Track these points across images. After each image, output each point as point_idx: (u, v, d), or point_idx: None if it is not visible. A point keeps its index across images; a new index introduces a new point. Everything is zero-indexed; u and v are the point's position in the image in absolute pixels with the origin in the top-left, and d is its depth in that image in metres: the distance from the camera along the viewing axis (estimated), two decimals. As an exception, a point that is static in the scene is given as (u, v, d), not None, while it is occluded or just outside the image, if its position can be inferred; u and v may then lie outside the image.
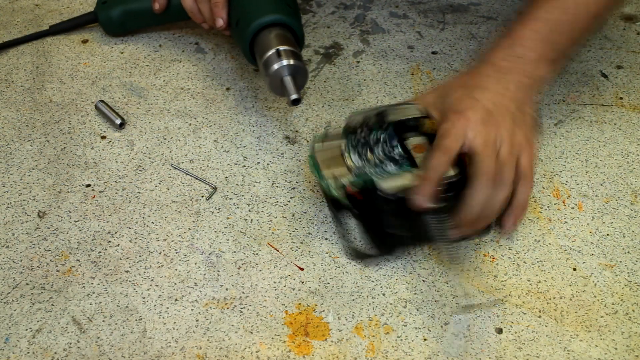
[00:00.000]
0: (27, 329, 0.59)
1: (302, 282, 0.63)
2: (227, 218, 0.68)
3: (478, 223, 0.62)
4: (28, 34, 0.87)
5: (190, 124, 0.77)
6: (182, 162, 0.73)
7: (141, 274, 0.63)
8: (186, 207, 0.69)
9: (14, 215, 0.68)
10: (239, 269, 0.64)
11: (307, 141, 0.75)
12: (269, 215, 0.68)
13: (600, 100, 0.80)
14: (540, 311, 0.61)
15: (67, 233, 0.66)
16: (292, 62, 0.69)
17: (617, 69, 0.84)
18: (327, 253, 0.65)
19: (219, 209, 0.69)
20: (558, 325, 0.60)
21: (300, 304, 0.61)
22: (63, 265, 0.64)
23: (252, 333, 0.59)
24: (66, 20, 0.88)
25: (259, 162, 0.73)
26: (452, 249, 0.62)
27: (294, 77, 0.69)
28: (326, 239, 0.66)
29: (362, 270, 0.64)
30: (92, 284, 0.63)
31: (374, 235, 0.65)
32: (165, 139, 0.75)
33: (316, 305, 0.61)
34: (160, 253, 0.65)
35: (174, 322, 0.60)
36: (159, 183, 0.71)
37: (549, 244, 0.66)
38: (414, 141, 0.66)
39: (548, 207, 0.69)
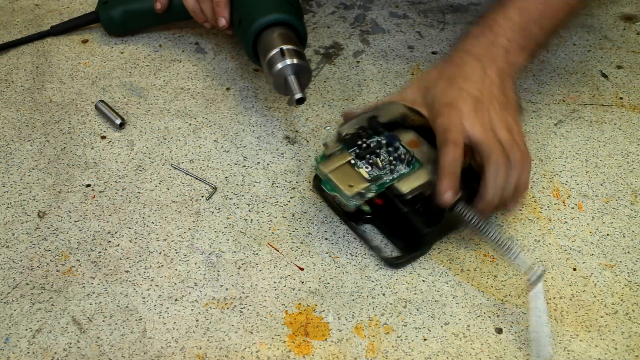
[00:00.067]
0: (27, 329, 0.59)
1: (302, 282, 0.63)
2: (227, 218, 0.68)
3: (498, 206, 0.64)
4: (30, 35, 0.87)
5: (190, 124, 0.77)
6: (182, 162, 0.73)
7: (141, 274, 0.63)
8: (186, 207, 0.69)
9: (14, 215, 0.68)
10: (239, 269, 0.64)
11: (307, 141, 0.75)
12: (269, 215, 0.68)
13: (600, 100, 0.80)
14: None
15: (67, 233, 0.66)
16: (295, 61, 0.68)
17: (617, 69, 0.84)
18: (327, 253, 0.65)
19: (219, 209, 0.69)
20: (558, 325, 0.60)
21: (300, 304, 0.61)
22: (63, 265, 0.64)
23: (252, 333, 0.59)
24: (67, 21, 0.88)
25: (259, 162, 0.73)
26: (490, 231, 0.62)
27: (297, 76, 0.69)
28: (326, 239, 0.66)
29: (362, 270, 0.64)
30: (92, 284, 0.63)
31: (404, 237, 0.65)
32: (165, 139, 0.75)
33: (316, 305, 0.61)
34: (160, 253, 0.65)
35: (174, 322, 0.60)
36: (159, 183, 0.71)
37: (549, 244, 0.66)
38: (405, 138, 0.67)
39: (548, 207, 0.69)
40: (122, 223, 0.67)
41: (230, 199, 0.70)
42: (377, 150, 0.66)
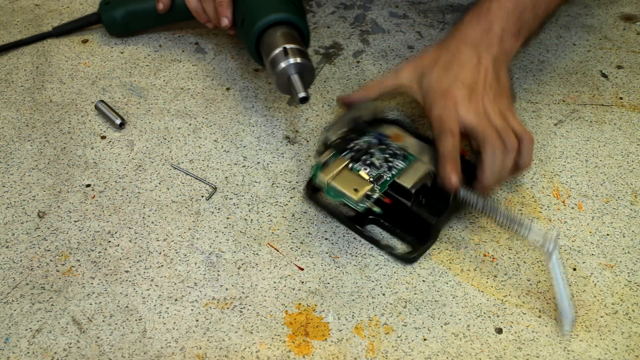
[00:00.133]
0: (27, 329, 0.59)
1: (302, 282, 0.63)
2: (227, 218, 0.68)
3: (495, 187, 0.67)
4: (31, 36, 0.86)
5: (190, 124, 0.77)
6: (182, 162, 0.73)
7: (141, 274, 0.63)
8: (186, 207, 0.69)
9: (14, 215, 0.68)
10: (239, 269, 0.64)
11: (307, 141, 0.75)
12: (269, 215, 0.68)
13: (600, 100, 0.80)
14: (540, 311, 0.61)
15: (67, 233, 0.66)
16: (299, 60, 0.68)
17: (617, 69, 0.84)
18: (327, 253, 0.65)
19: (219, 209, 0.69)
20: (558, 325, 0.60)
21: (300, 304, 0.61)
22: (63, 265, 0.64)
23: (252, 333, 0.59)
24: (69, 22, 0.87)
25: (259, 162, 0.73)
26: (498, 212, 0.62)
27: (301, 75, 0.69)
28: (326, 239, 0.66)
29: (362, 270, 0.64)
30: (92, 284, 0.63)
31: (412, 231, 0.66)
32: (165, 139, 0.75)
33: (316, 305, 0.61)
34: (160, 253, 0.65)
35: (174, 322, 0.60)
36: (159, 183, 0.71)
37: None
38: (388, 133, 0.69)
39: (548, 207, 0.69)
40: (122, 223, 0.67)
41: (230, 199, 0.70)
42: (371, 150, 0.67)
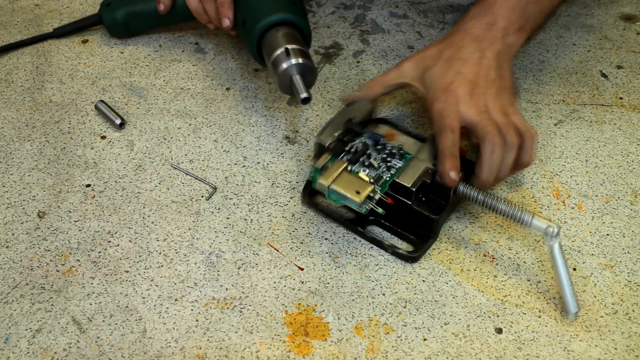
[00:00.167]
0: (27, 329, 0.59)
1: (302, 282, 0.63)
2: (227, 218, 0.68)
3: (494, 183, 0.67)
4: (32, 37, 0.86)
5: (190, 124, 0.77)
6: (182, 162, 0.73)
7: (141, 274, 0.63)
8: (186, 207, 0.69)
9: (14, 215, 0.68)
10: (239, 269, 0.64)
11: (307, 141, 0.75)
12: (269, 215, 0.68)
13: (600, 100, 0.80)
14: (540, 311, 0.61)
15: (67, 233, 0.66)
16: (301, 60, 0.68)
17: (617, 69, 0.84)
18: (327, 253, 0.65)
19: (219, 209, 0.69)
20: (558, 325, 0.60)
21: (300, 304, 0.61)
22: (63, 265, 0.64)
23: (252, 333, 0.59)
24: (70, 23, 0.87)
25: (259, 162, 0.73)
26: (498, 205, 0.63)
27: (303, 75, 0.68)
28: (326, 239, 0.66)
29: (362, 270, 0.64)
30: (92, 284, 0.63)
31: (413, 229, 0.66)
32: (165, 139, 0.75)
33: (316, 305, 0.61)
34: (160, 253, 0.65)
35: (174, 322, 0.60)
36: (159, 183, 0.71)
37: (549, 245, 0.66)
38: (381, 132, 0.69)
39: (548, 207, 0.69)
40: (122, 223, 0.67)
41: (230, 199, 0.70)
42: (367, 151, 0.67)
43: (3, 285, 0.62)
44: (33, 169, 0.72)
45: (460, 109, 0.64)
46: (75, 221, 0.67)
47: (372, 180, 0.64)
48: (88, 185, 0.71)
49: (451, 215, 0.68)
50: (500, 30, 0.68)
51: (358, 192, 0.62)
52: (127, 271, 0.63)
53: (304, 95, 0.67)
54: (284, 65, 0.68)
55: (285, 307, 0.61)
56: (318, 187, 0.63)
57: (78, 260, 0.64)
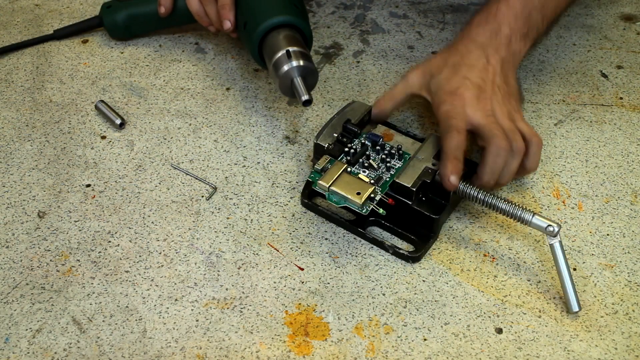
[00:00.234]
0: (27, 329, 0.59)
1: (302, 282, 0.63)
2: (227, 218, 0.68)
3: (494, 187, 0.67)
4: (32, 38, 0.86)
5: (190, 124, 0.77)
6: (182, 162, 0.73)
7: (141, 274, 0.63)
8: (186, 207, 0.69)
9: (14, 215, 0.68)
10: (239, 269, 0.64)
11: (307, 141, 0.75)
12: (269, 215, 0.68)
13: (600, 100, 0.80)
14: (540, 311, 0.61)
15: (67, 233, 0.66)
16: (302, 63, 0.68)
17: (617, 69, 0.84)
18: (327, 253, 0.65)
19: (219, 209, 0.69)
20: (558, 325, 0.60)
21: (300, 304, 0.61)
22: (63, 265, 0.64)
23: (252, 333, 0.59)
24: (70, 25, 0.87)
25: (259, 162, 0.73)
26: (498, 204, 0.63)
27: (304, 78, 0.68)
28: (326, 239, 0.66)
29: (362, 270, 0.64)
30: (92, 284, 0.63)
31: (413, 229, 0.66)
32: (165, 139, 0.75)
33: (316, 305, 0.61)
34: (160, 253, 0.65)
35: (174, 322, 0.60)
36: (159, 183, 0.71)
37: (549, 245, 0.66)
38: (377, 132, 0.69)
39: (548, 207, 0.69)
40: (122, 223, 0.67)
41: (230, 199, 0.70)
42: (367, 152, 0.67)
43: (3, 285, 0.62)
44: (33, 169, 0.72)
45: (467, 111, 0.64)
46: (76, 221, 0.67)
47: (372, 181, 0.64)
48: (88, 185, 0.71)
49: (451, 215, 0.68)
50: (505, 38, 0.69)
51: (359, 194, 0.61)
52: (127, 271, 0.63)
53: (305, 97, 0.67)
54: (285, 68, 0.68)
55: (286, 307, 0.61)
56: (318, 188, 0.63)
57: (78, 260, 0.64)
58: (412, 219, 0.65)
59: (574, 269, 0.64)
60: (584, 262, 0.65)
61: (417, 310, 0.61)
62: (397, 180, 0.64)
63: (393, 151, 0.67)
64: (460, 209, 0.69)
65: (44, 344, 0.58)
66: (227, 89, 0.81)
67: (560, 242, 0.60)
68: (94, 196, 0.70)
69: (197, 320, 0.60)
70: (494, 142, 0.63)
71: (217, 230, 0.67)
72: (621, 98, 0.80)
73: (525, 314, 0.61)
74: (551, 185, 0.71)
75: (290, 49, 0.69)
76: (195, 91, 0.81)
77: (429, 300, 0.62)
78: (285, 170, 0.72)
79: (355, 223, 0.66)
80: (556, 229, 0.59)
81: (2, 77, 0.82)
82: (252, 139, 0.75)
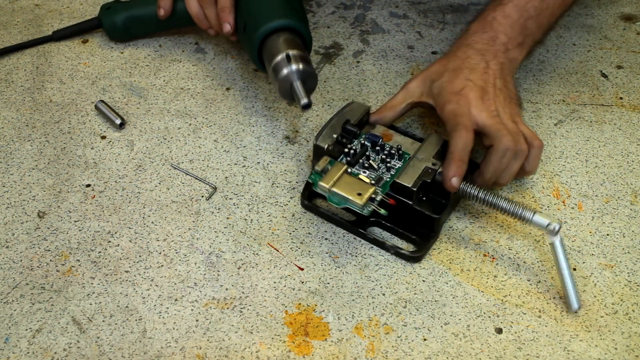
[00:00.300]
0: (27, 329, 0.59)
1: (302, 282, 0.63)
2: (227, 218, 0.68)
3: (492, 187, 0.67)
4: (31, 40, 0.86)
5: (190, 124, 0.77)
6: (182, 162, 0.73)
7: (141, 274, 0.63)
8: (186, 207, 0.69)
9: (14, 215, 0.68)
10: (239, 269, 0.64)
11: (307, 141, 0.75)
12: (269, 215, 0.68)
13: (600, 100, 0.80)
14: (540, 311, 0.61)
15: (67, 233, 0.66)
16: (301, 66, 0.68)
17: (617, 69, 0.84)
18: (327, 253, 0.65)
19: (219, 209, 0.69)
20: (558, 325, 0.60)
21: (300, 304, 0.61)
22: (63, 265, 0.64)
23: (252, 333, 0.59)
24: (70, 26, 0.87)
25: (259, 162, 0.73)
26: (499, 203, 0.63)
27: (303, 81, 0.68)
28: (326, 239, 0.66)
29: (362, 270, 0.64)
30: (92, 284, 0.63)
31: (414, 228, 0.66)
32: (165, 139, 0.75)
33: (316, 305, 0.61)
34: (160, 253, 0.65)
35: (174, 322, 0.60)
36: (159, 183, 0.71)
37: (549, 243, 0.66)
38: (376, 132, 0.69)
39: (548, 207, 0.69)
40: (122, 223, 0.67)
41: (230, 199, 0.70)
42: (367, 153, 0.67)
43: (3, 285, 0.62)
44: (33, 169, 0.72)
45: (473, 111, 0.64)
46: (75, 221, 0.67)
47: (373, 182, 0.64)
48: (88, 185, 0.71)
49: (451, 215, 0.68)
50: (502, 45, 0.69)
51: (360, 194, 0.61)
52: (127, 271, 0.63)
53: (304, 101, 0.67)
54: (285, 71, 0.68)
55: (285, 307, 0.61)
56: (319, 190, 0.63)
57: (78, 260, 0.64)
58: (412, 219, 0.65)
59: (574, 269, 0.64)
60: (584, 262, 0.65)
61: (417, 310, 0.61)
62: (397, 181, 0.64)
63: (393, 151, 0.67)
64: (460, 209, 0.69)
65: (43, 344, 0.58)
66: (227, 89, 0.81)
67: (561, 240, 0.60)
68: (94, 196, 0.70)
69: (197, 320, 0.60)
70: (502, 141, 0.63)
71: (217, 230, 0.67)
72: (621, 98, 0.80)
73: (525, 314, 0.61)
74: (551, 185, 0.71)
75: (290, 52, 0.69)
76: (195, 91, 0.81)
77: (429, 300, 0.62)
78: (285, 170, 0.72)
79: (356, 224, 0.66)
80: (557, 227, 0.59)
81: (2, 77, 0.82)
82: (252, 139, 0.75)
